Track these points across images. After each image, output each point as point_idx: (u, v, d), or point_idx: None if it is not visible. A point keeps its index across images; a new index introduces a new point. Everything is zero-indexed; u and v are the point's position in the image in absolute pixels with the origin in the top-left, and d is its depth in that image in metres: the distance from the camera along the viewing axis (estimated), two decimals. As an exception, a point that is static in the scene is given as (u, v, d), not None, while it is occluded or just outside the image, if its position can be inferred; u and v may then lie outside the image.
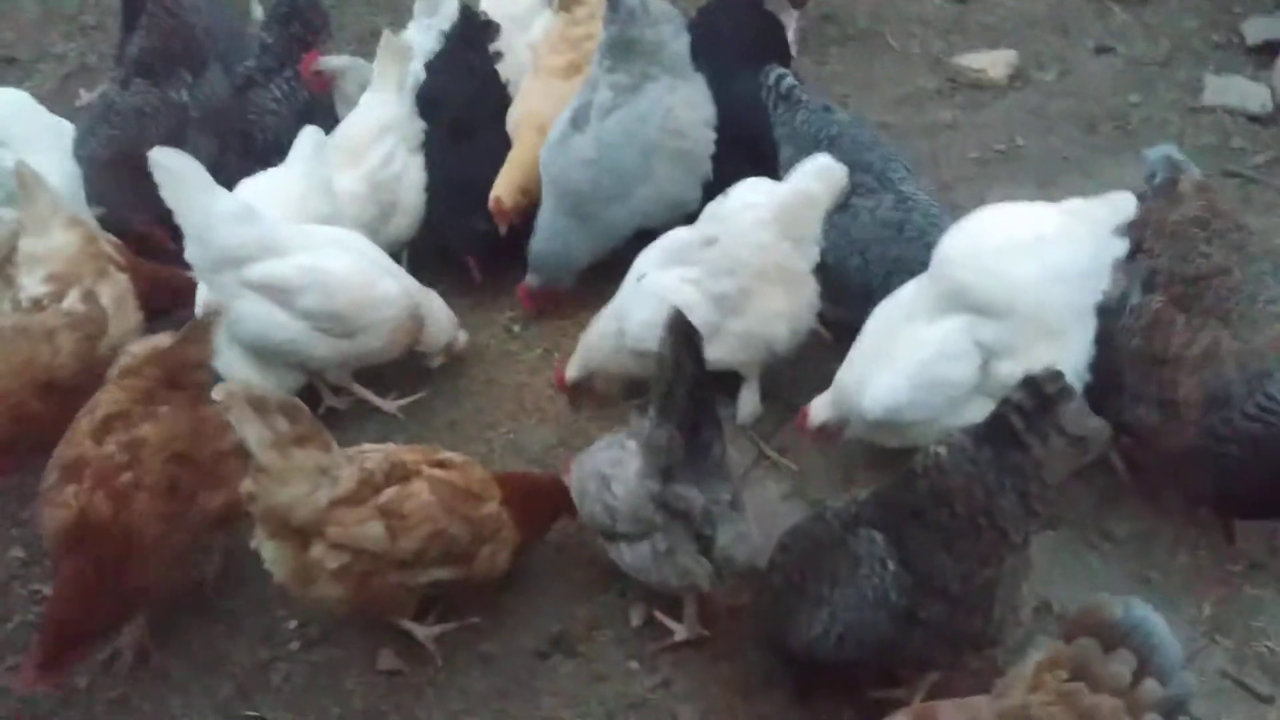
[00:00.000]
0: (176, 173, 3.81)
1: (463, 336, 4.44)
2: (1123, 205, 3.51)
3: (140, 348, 3.52)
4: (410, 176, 4.77)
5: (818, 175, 3.85)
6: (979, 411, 3.06)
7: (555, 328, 4.65)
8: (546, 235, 4.59)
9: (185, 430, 3.35)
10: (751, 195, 3.91)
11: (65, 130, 4.87)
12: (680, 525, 3.18)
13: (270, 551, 3.16)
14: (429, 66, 5.04)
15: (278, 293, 3.94)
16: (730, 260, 3.88)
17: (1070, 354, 3.51)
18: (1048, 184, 5.04)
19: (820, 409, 3.81)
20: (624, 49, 4.42)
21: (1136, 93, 5.63)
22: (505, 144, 4.80)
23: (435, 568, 3.27)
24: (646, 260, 4.07)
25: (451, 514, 3.24)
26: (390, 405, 4.33)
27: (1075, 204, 3.57)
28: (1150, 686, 2.28)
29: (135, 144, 4.37)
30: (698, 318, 3.63)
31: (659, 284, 3.96)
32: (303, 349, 4.05)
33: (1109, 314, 3.58)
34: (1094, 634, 2.31)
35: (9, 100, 4.85)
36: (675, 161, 4.53)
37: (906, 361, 3.56)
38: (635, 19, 4.37)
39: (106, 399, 3.36)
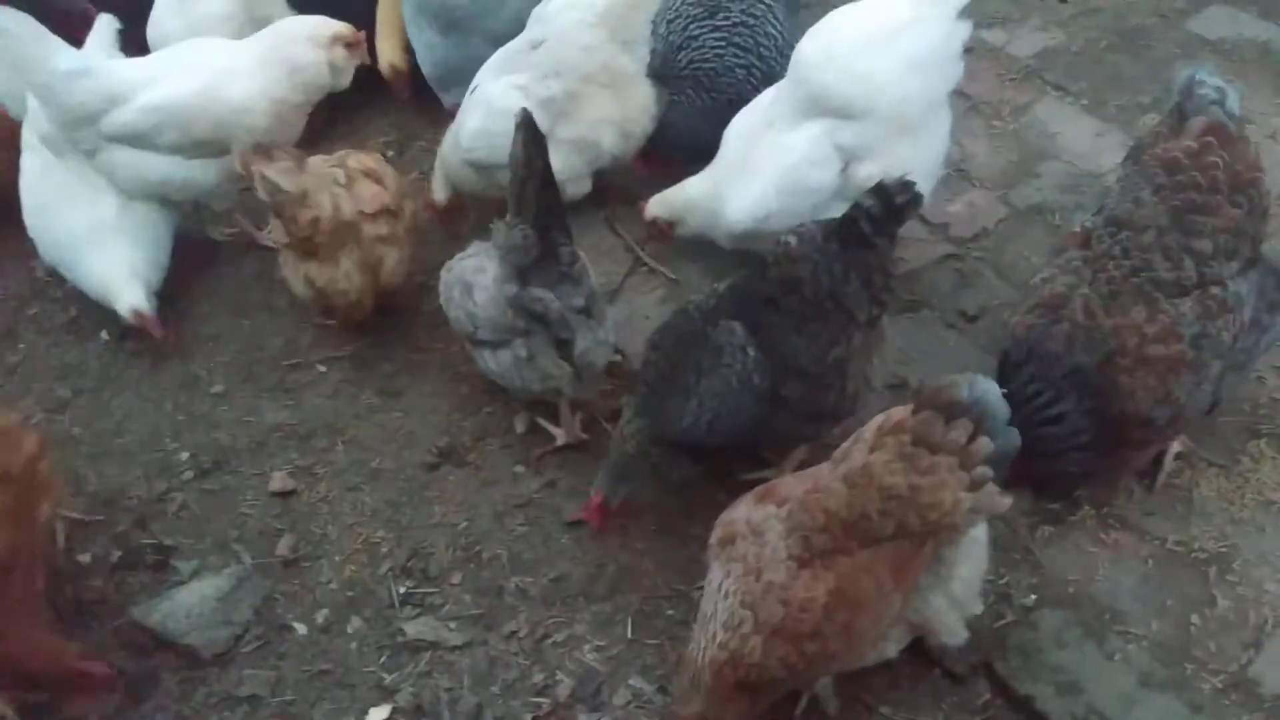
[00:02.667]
0: (11, 34, 3.65)
1: (339, 52, 3.99)
2: None
3: None
4: None
5: None
6: (840, 213, 3.14)
7: (429, 153, 4.61)
8: (432, 60, 4.51)
9: None
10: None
11: None
12: (539, 330, 3.27)
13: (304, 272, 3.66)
14: None
15: (137, 139, 3.85)
16: (556, 63, 3.89)
17: (928, 150, 3.63)
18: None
19: (657, 205, 3.88)
20: None
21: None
22: None
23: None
24: (483, 70, 4.06)
25: None
26: (268, 238, 4.28)
27: None
28: (982, 443, 2.47)
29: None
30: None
31: (488, 92, 3.97)
32: (187, 180, 3.97)
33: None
34: (939, 409, 2.47)
35: None
36: None
37: (770, 170, 3.61)
38: None
39: None
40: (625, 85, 3.95)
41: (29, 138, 4.00)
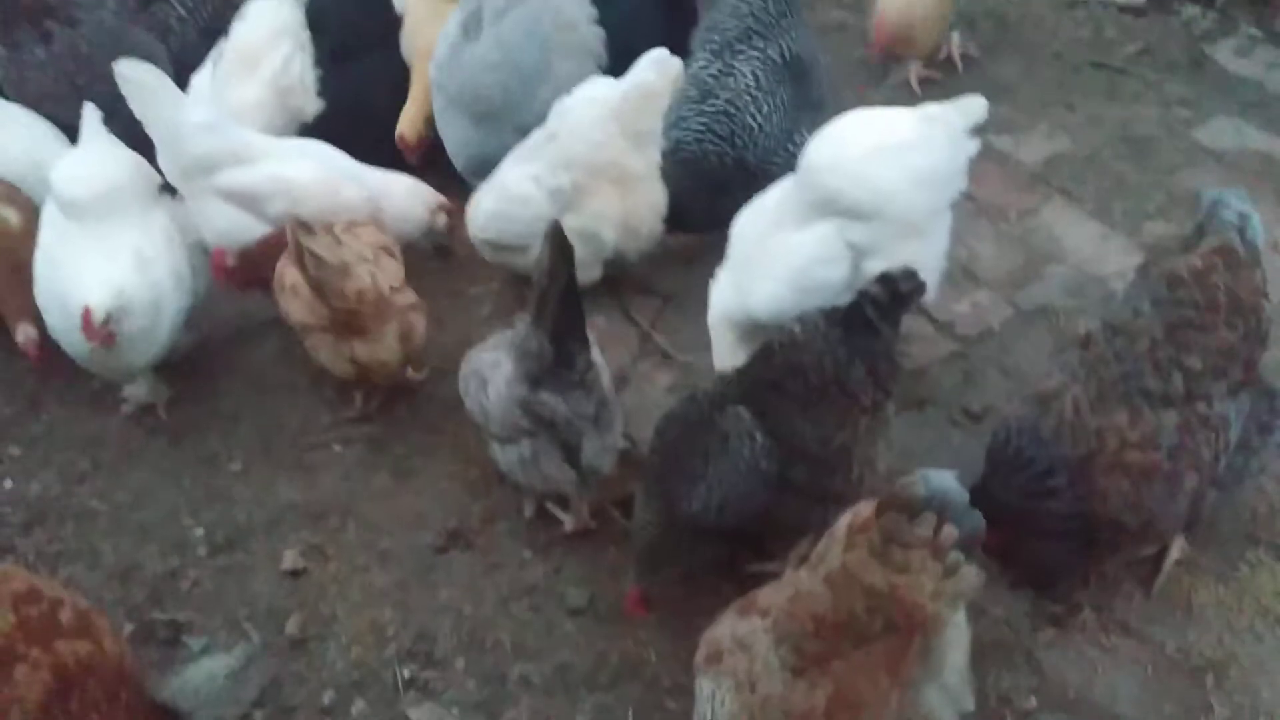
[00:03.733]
0: (142, 84, 3.90)
1: (441, 220, 4.40)
2: (974, 109, 3.69)
3: None
4: (310, 82, 4.74)
5: (654, 66, 3.99)
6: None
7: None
8: (461, 146, 4.66)
9: None
10: (592, 91, 4.08)
11: None
12: (546, 433, 3.34)
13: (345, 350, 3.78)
14: None
15: (246, 199, 4.03)
16: (566, 155, 4.06)
17: (932, 250, 3.75)
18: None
19: (727, 360, 3.83)
20: None
21: (1015, -12, 5.79)
22: (391, 68, 4.82)
23: None
24: (507, 158, 4.24)
25: None
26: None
27: (931, 109, 3.73)
28: (948, 530, 2.52)
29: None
30: (534, 211, 3.99)
31: (504, 178, 4.17)
32: None
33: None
34: (900, 509, 2.52)
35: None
36: (571, 56, 4.61)
37: (784, 267, 3.71)
38: None
39: None
40: (634, 182, 4.11)
41: (49, 214, 4.08)
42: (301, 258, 3.68)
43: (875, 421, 3.23)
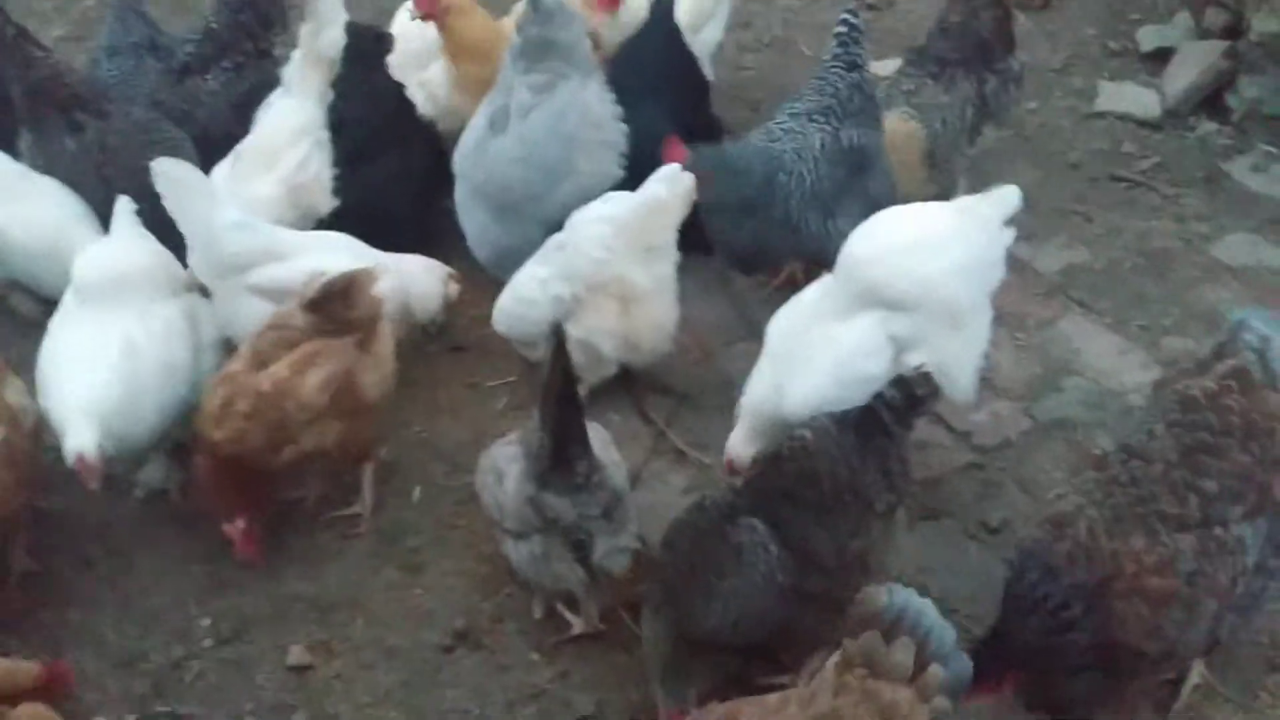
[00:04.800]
0: (179, 181, 3.98)
1: (454, 288, 4.51)
2: (1008, 199, 3.74)
3: None
4: (326, 181, 4.79)
5: (665, 181, 4.05)
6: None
7: (470, 323, 4.74)
8: (480, 239, 4.73)
9: None
10: (603, 207, 4.15)
11: None
12: (556, 532, 3.33)
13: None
14: (335, 86, 4.89)
15: (281, 295, 4.02)
16: (570, 267, 4.12)
17: (972, 342, 3.76)
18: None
19: (741, 445, 3.81)
20: (542, 50, 4.55)
21: (1034, 99, 5.85)
22: (407, 170, 4.87)
23: None
24: (534, 256, 4.32)
25: None
26: None
27: (965, 202, 3.81)
28: (933, 671, 2.48)
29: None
30: (539, 314, 4.10)
31: (519, 275, 4.27)
32: None
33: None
34: (871, 625, 2.48)
35: None
36: (594, 154, 4.67)
37: (826, 360, 3.69)
38: (554, 20, 4.53)
39: None
40: (638, 300, 4.16)
41: (65, 298, 4.10)
42: None
43: (889, 526, 3.22)
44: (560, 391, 3.15)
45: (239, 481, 3.70)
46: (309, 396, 3.64)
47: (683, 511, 3.38)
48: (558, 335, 3.17)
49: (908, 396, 3.15)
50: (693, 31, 5.24)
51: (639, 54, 5.04)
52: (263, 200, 4.61)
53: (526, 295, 4.25)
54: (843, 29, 4.37)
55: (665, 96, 4.83)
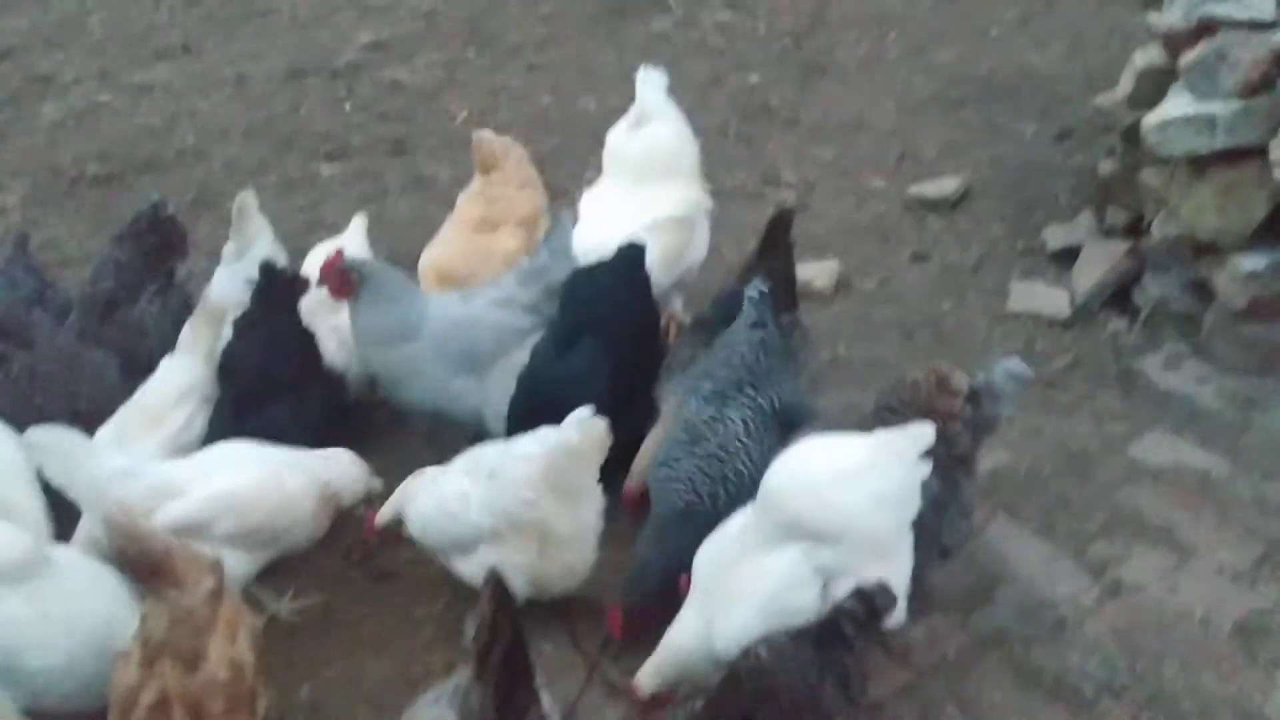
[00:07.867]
0: (54, 450, 3.80)
1: (376, 482, 4.48)
2: (922, 435, 3.76)
3: None
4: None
5: (576, 425, 4.02)
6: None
7: (397, 551, 4.63)
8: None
9: None
10: (529, 446, 4.10)
11: None
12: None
13: None
14: (235, 326, 4.83)
15: (191, 530, 3.90)
16: (490, 502, 4.07)
17: (898, 568, 3.75)
18: (870, 390, 5.31)
19: (651, 678, 3.78)
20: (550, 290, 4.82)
21: (949, 299, 6.03)
22: (301, 414, 4.73)
23: None
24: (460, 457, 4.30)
25: None
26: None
27: (882, 436, 3.81)
28: None
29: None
30: (456, 530, 4.13)
31: (445, 479, 4.22)
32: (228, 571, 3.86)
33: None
34: None
35: None
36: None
37: (753, 595, 3.68)
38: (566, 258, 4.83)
39: None
40: (556, 544, 4.09)
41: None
42: None
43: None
44: (510, 643, 2.98)
45: None
46: None
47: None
48: (496, 581, 2.98)
49: (869, 608, 3.22)
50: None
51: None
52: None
53: (450, 510, 4.15)
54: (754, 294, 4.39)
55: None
